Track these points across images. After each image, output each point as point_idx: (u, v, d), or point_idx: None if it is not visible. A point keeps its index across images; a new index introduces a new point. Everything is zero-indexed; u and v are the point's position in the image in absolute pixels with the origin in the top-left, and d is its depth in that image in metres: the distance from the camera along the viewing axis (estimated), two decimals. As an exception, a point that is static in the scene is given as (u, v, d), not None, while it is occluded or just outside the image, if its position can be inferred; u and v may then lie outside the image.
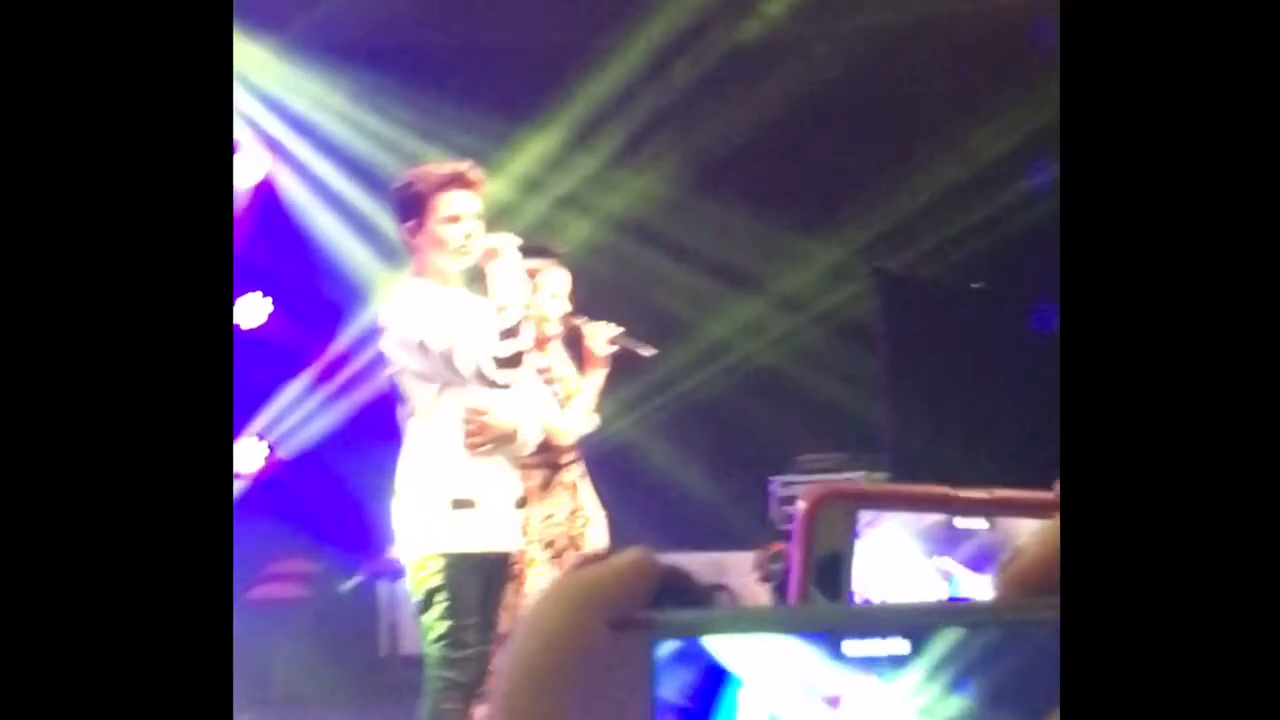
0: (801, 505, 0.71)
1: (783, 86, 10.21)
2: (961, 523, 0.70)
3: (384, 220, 11.69)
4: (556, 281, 5.78)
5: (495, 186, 11.39)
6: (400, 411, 5.21)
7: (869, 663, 0.54)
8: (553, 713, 0.46)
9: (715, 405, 10.75)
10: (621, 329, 5.73)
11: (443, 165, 5.48)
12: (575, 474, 5.77)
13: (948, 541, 0.73)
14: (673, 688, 0.51)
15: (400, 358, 5.10)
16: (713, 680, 0.52)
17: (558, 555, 5.57)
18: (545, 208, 11.38)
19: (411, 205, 5.32)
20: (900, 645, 0.54)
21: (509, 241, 5.15)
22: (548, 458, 5.57)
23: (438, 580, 4.94)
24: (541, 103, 10.85)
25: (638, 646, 0.50)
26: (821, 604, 0.56)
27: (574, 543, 5.68)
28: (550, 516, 5.59)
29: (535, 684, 0.47)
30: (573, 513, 5.71)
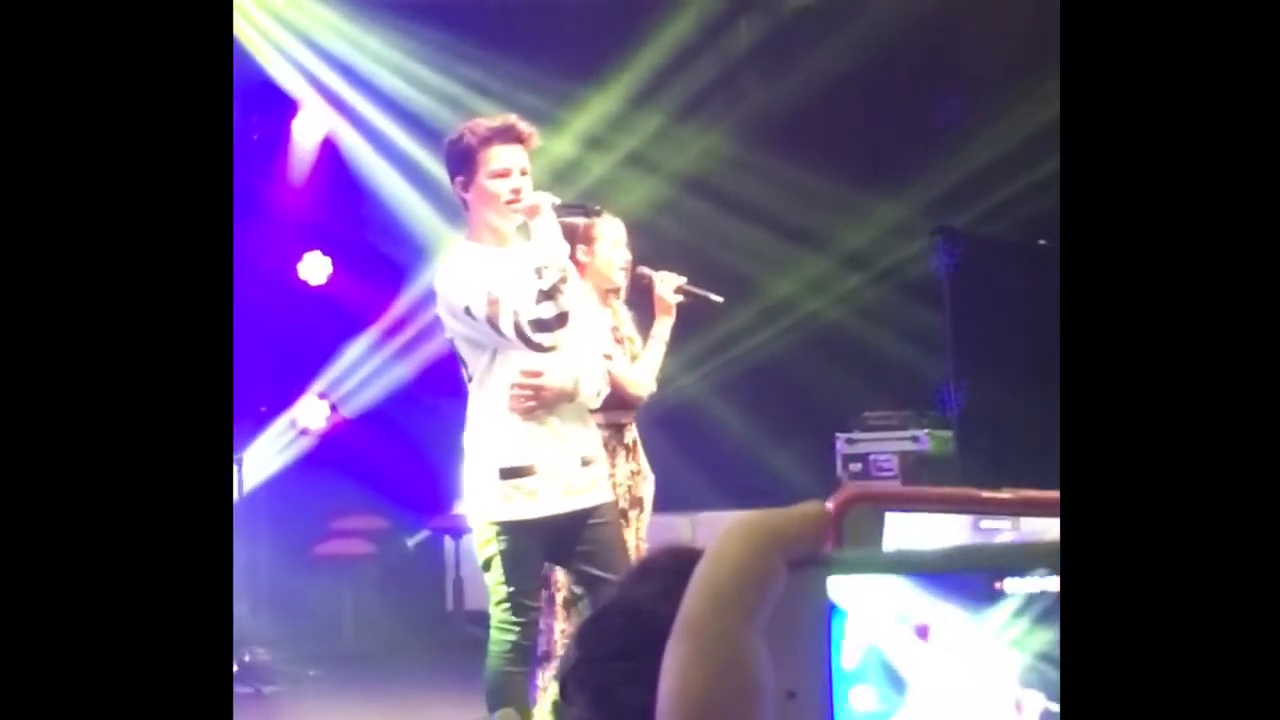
0: (829, 507, 0.72)
1: (847, 42, 10.15)
2: (987, 524, 0.71)
3: (444, 174, 11.71)
4: (614, 231, 5.69)
5: (559, 144, 11.42)
6: (463, 373, 5.21)
7: (978, 596, 0.57)
8: (740, 638, 0.49)
9: (779, 363, 10.73)
10: (685, 278, 5.67)
11: (493, 118, 5.39)
12: (633, 434, 5.73)
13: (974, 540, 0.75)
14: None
15: (451, 324, 5.08)
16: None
17: (621, 515, 5.53)
18: (609, 166, 11.37)
19: (461, 159, 5.29)
20: (1050, 582, 0.56)
21: (546, 200, 5.10)
22: (611, 417, 5.53)
23: (494, 548, 4.96)
24: (604, 60, 10.82)
25: (814, 583, 0.53)
26: (978, 546, 0.58)
27: (637, 503, 5.65)
28: (611, 476, 5.51)
29: (723, 612, 0.50)
30: (633, 474, 5.67)
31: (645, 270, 5.70)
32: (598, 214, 5.65)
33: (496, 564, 4.96)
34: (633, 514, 5.62)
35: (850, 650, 0.55)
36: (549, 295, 4.86)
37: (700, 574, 0.51)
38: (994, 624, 0.56)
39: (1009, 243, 9.77)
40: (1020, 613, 0.56)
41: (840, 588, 0.55)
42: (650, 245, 11.22)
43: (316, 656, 9.78)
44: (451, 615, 10.64)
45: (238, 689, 9.47)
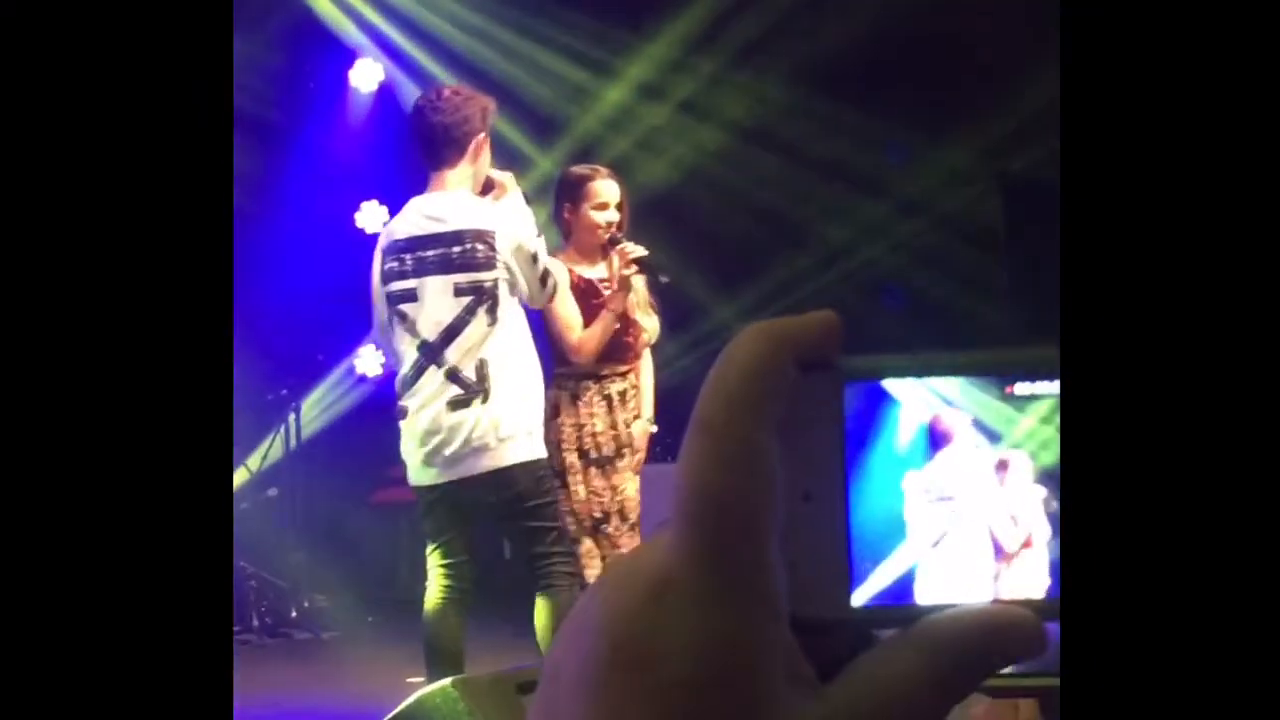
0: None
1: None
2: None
3: (501, 124, 11.74)
4: (605, 191, 5.83)
5: (614, 92, 11.41)
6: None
7: (1032, 401, 0.58)
8: (754, 436, 0.50)
9: (836, 310, 10.69)
10: (646, 251, 5.79)
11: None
12: (621, 386, 5.82)
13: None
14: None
15: (505, 260, 5.24)
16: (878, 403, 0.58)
17: (596, 464, 5.78)
18: (666, 113, 11.34)
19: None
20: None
21: (510, 179, 5.49)
22: (573, 370, 5.77)
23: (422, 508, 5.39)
24: (659, 6, 10.78)
25: (827, 387, 0.55)
26: (1001, 349, 0.60)
27: (620, 451, 5.84)
28: (582, 426, 5.74)
29: (737, 410, 0.50)
30: (613, 424, 5.81)
31: (619, 236, 5.82)
32: (604, 173, 5.96)
33: (426, 524, 5.41)
34: (620, 461, 5.84)
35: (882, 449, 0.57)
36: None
37: (714, 375, 0.52)
38: (1009, 426, 0.58)
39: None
40: (1035, 415, 0.58)
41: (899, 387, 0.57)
42: (705, 193, 11.24)
43: (374, 602, 9.88)
44: (509, 562, 10.70)
45: (297, 635, 9.60)
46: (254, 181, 11.59)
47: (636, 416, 5.90)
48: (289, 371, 10.13)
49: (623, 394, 5.81)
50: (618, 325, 5.76)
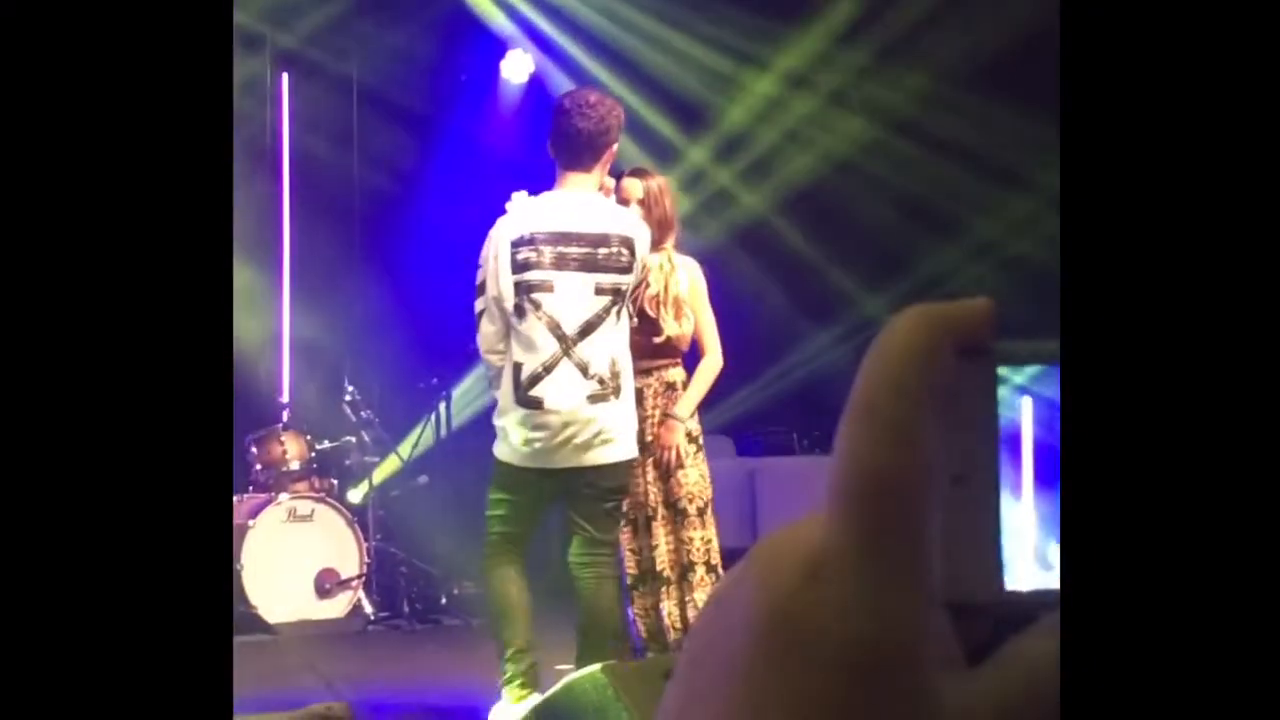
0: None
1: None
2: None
3: (650, 115, 11.78)
4: (629, 188, 6.11)
5: (762, 83, 11.38)
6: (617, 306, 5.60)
7: None
8: (913, 419, 0.51)
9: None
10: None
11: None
12: (639, 384, 5.93)
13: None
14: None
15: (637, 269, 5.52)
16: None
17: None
18: (815, 103, 11.31)
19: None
20: None
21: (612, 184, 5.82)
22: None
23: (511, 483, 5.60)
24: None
25: (982, 372, 0.56)
26: None
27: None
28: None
29: (897, 393, 0.51)
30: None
31: None
32: (624, 174, 6.20)
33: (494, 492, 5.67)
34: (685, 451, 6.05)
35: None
36: None
37: (873, 357, 0.52)
38: None
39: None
40: None
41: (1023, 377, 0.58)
42: (853, 185, 11.18)
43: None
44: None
45: (446, 621, 9.70)
46: (407, 172, 11.75)
47: (662, 413, 6.06)
48: (440, 360, 10.23)
49: (640, 392, 5.90)
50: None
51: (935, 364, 0.53)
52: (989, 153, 10.38)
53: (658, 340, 5.98)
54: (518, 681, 5.43)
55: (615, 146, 5.55)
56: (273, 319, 11.59)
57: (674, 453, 5.93)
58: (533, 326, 5.36)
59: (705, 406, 6.28)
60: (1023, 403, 0.57)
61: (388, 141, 11.52)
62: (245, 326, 10.60)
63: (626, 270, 5.41)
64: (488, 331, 5.47)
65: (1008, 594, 0.56)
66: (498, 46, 11.46)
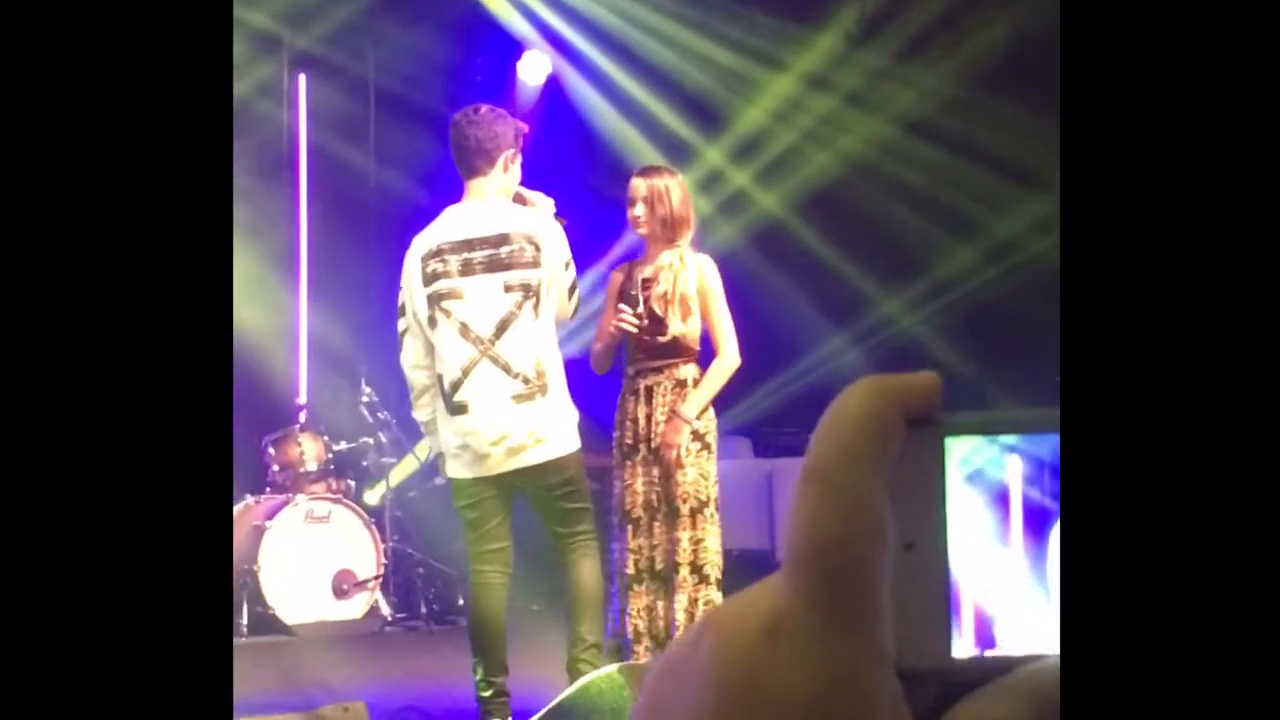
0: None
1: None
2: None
3: (665, 114, 11.78)
4: (632, 188, 6.11)
5: (780, 83, 11.37)
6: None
7: None
8: (866, 486, 0.51)
9: (1003, 304, 10.58)
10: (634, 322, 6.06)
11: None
12: (649, 381, 6.05)
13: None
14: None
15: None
16: None
17: (625, 454, 6.11)
18: (832, 104, 11.29)
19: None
20: None
21: (540, 197, 5.87)
22: (633, 366, 6.10)
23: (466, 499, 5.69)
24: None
25: (931, 440, 0.57)
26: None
27: (637, 445, 6.08)
28: (624, 419, 6.10)
29: (850, 460, 0.52)
30: (635, 416, 6.07)
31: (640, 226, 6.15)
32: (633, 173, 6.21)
33: (468, 514, 5.80)
34: (636, 455, 6.09)
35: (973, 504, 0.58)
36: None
37: (826, 425, 0.53)
38: None
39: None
40: None
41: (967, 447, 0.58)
42: (871, 185, 11.17)
43: (539, 590, 9.97)
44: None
45: (463, 622, 9.71)
46: (423, 173, 11.75)
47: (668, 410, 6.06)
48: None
49: (650, 389, 6.01)
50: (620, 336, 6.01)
51: (888, 433, 0.54)
52: (1006, 153, 10.36)
53: (663, 339, 5.98)
54: (490, 709, 5.59)
55: (512, 152, 5.65)
56: (290, 320, 11.61)
57: (676, 451, 5.93)
58: (446, 334, 5.48)
59: (723, 406, 6.27)
60: (1010, 461, 0.58)
61: (404, 142, 11.53)
62: (262, 328, 10.62)
63: (534, 265, 5.52)
64: (410, 348, 5.61)
65: (955, 660, 0.57)
66: (514, 48, 11.46)
